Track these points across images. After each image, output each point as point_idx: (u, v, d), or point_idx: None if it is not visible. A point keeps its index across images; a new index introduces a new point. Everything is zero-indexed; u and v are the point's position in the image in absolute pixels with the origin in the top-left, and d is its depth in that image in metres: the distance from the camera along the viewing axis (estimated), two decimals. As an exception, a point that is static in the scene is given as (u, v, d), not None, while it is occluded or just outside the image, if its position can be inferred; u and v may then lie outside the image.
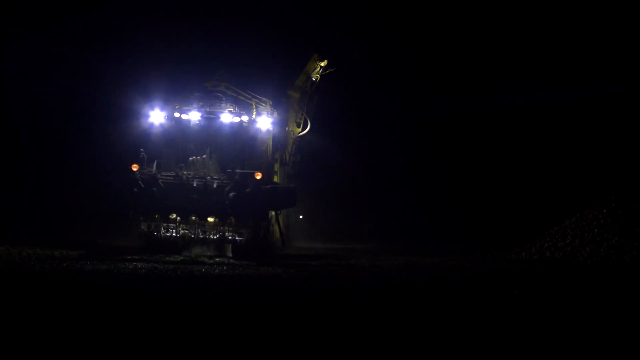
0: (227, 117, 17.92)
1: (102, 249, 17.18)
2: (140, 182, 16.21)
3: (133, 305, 8.50)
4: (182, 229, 16.80)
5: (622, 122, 32.11)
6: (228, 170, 16.96)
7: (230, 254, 16.61)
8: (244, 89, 18.77)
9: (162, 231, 16.82)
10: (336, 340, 6.78)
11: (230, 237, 16.87)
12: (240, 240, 16.93)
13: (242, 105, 18.35)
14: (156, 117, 17.92)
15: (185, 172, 17.02)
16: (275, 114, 18.66)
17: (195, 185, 16.58)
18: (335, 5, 37.33)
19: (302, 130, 20.16)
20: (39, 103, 31.51)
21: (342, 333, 7.14)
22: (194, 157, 17.84)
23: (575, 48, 34.35)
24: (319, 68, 19.62)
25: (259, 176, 16.52)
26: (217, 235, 16.82)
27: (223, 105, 18.12)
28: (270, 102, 18.78)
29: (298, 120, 20.52)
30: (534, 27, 35.64)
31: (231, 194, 16.36)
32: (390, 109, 37.24)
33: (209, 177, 16.89)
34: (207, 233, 16.84)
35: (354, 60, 32.88)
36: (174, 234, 16.82)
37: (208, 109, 18.02)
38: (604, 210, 22.09)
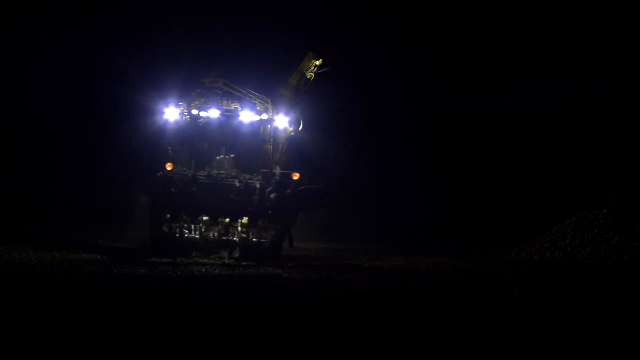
0: (246, 116, 17.66)
1: (117, 253, 16.78)
2: (178, 181, 15.79)
3: (131, 305, 8.50)
4: (207, 231, 16.35)
5: (623, 122, 32.11)
6: (263, 170, 16.65)
7: (252, 256, 16.17)
8: (241, 86, 18.58)
9: (185, 232, 16.34)
10: (335, 340, 6.77)
11: (254, 239, 16.51)
12: (264, 242, 16.60)
13: (243, 103, 18.17)
14: (171, 114, 17.52)
15: (217, 172, 16.64)
16: (271, 112, 18.46)
17: (237, 185, 16.27)
18: (330, 3, 37.15)
19: (294, 129, 19.84)
20: (37, 100, 31.49)
21: (341, 333, 7.14)
22: (222, 156, 17.48)
23: (575, 47, 34.35)
24: (313, 67, 19.29)
25: (296, 177, 16.26)
26: (241, 237, 16.40)
27: (225, 102, 17.94)
28: (270, 100, 18.61)
29: (290, 119, 20.22)
30: (534, 26, 35.64)
31: (272, 195, 16.11)
32: (388, 109, 37.18)
33: (242, 177, 16.54)
34: (230, 235, 16.42)
35: (350, 59, 32.78)
36: (196, 236, 16.35)
37: (209, 105, 17.77)
38: (604, 210, 22.10)
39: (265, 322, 7.56)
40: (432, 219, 31.37)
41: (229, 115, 17.78)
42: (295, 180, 16.27)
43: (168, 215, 16.20)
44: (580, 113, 33.24)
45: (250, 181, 16.39)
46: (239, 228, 16.51)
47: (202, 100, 17.86)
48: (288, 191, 16.21)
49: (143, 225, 19.50)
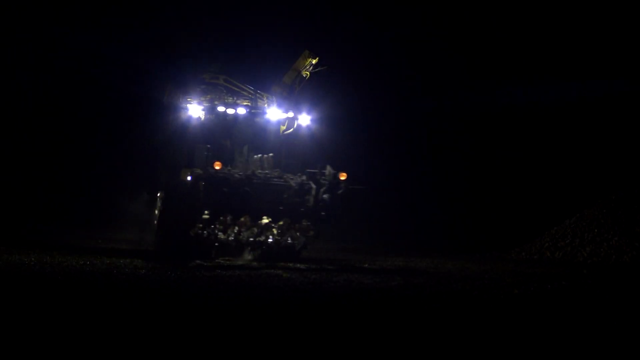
0: (274, 114, 17.25)
1: (140, 256, 15.66)
2: (231, 181, 15.25)
3: (131, 305, 8.50)
4: (242, 232, 15.80)
5: (623, 122, 32.13)
6: (310, 170, 16.20)
7: (270, 257, 15.71)
8: (242, 83, 18.20)
9: (219, 234, 15.70)
10: (334, 341, 6.78)
11: (289, 241, 16.09)
12: (296, 243, 16.20)
13: (247, 100, 17.82)
14: (194, 110, 16.94)
15: (261, 172, 16.13)
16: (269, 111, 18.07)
17: (293, 185, 15.81)
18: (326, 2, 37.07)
19: (287, 129, 19.38)
20: (44, 100, 31.51)
21: (341, 333, 7.14)
22: (260, 154, 16.97)
23: (575, 47, 34.36)
24: (309, 65, 18.81)
25: (344, 177, 15.88)
26: (275, 239, 15.95)
27: (231, 99, 17.53)
28: (274, 98, 18.25)
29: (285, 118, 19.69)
30: (535, 24, 35.65)
31: (325, 196, 15.75)
32: (386, 108, 37.15)
33: (285, 177, 16.07)
34: (263, 236, 15.93)
35: (348, 57, 32.69)
36: (230, 238, 15.74)
37: (215, 101, 17.32)
38: (604, 210, 22.13)
39: (265, 322, 7.56)
40: (432, 219, 31.39)
41: (247, 112, 17.20)
42: (343, 180, 15.89)
43: (206, 216, 15.62)
44: (580, 113, 33.25)
45: (305, 182, 15.93)
46: (274, 230, 16.06)
47: (208, 97, 17.41)
48: (340, 192, 15.85)
49: (143, 226, 19.42)
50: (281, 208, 15.83)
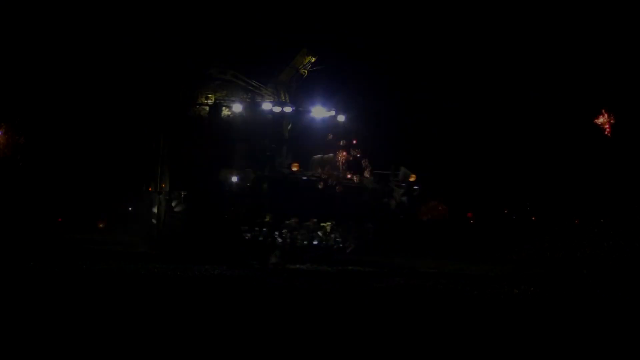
0: (319, 112, 16.75)
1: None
2: (320, 184, 14.94)
3: (131, 304, 8.50)
4: (298, 236, 15.25)
5: (623, 123, 32.11)
6: (380, 172, 15.81)
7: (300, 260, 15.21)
8: (250, 78, 17.75)
9: (277, 237, 15.04)
10: (334, 341, 6.78)
11: (341, 245, 15.66)
12: (347, 245, 15.82)
13: (255, 96, 17.44)
14: (236, 108, 16.40)
15: (332, 172, 15.63)
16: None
17: (375, 187, 15.51)
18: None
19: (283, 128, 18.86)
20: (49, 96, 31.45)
21: (341, 334, 7.14)
22: (321, 155, 16.47)
23: (574, 47, 34.36)
24: (308, 63, 18.31)
25: (413, 178, 15.56)
26: (330, 241, 15.52)
27: (247, 95, 17.13)
28: (288, 95, 17.87)
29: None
30: (536, 24, 35.63)
31: (404, 198, 15.43)
32: (384, 105, 37.04)
33: (355, 177, 15.69)
34: (316, 239, 15.44)
35: (346, 56, 32.58)
36: (288, 240, 15.11)
37: (234, 99, 16.73)
38: (604, 211, 22.14)
39: (263, 322, 7.57)
40: (431, 219, 31.35)
41: (292, 111, 16.72)
42: (413, 181, 15.59)
43: (267, 219, 15.00)
44: (580, 114, 33.24)
45: (385, 184, 15.61)
46: (333, 235, 15.59)
47: (225, 92, 17.02)
48: (415, 194, 15.58)
49: (144, 226, 19.34)
50: (360, 211, 15.45)
